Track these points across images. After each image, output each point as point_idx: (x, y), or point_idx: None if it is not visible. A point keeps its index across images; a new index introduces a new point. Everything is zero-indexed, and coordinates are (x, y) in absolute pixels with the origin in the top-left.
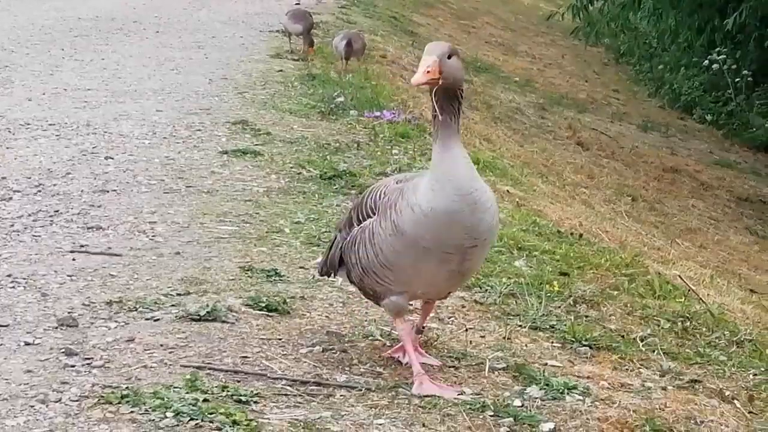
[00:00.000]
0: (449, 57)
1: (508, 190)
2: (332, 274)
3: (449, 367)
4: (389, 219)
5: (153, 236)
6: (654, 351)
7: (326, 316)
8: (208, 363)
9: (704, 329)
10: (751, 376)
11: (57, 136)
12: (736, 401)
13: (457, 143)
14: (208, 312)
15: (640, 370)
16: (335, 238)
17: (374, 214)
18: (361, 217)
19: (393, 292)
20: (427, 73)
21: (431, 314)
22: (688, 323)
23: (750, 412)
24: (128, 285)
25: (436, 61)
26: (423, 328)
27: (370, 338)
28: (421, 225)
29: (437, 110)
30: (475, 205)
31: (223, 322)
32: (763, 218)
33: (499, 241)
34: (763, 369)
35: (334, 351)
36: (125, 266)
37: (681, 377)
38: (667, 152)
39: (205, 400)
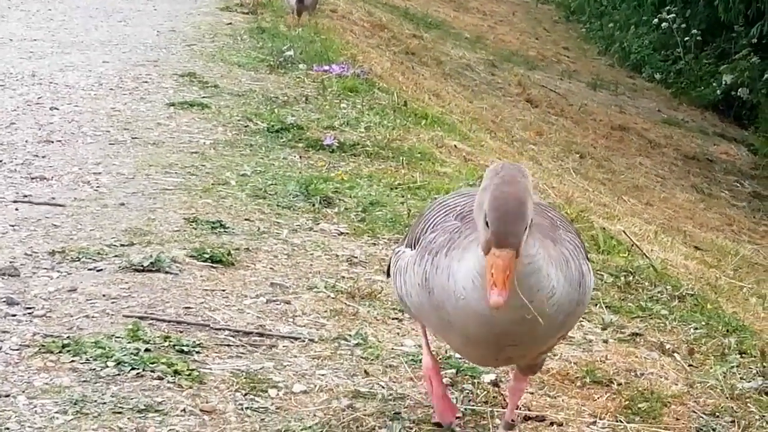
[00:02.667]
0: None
1: (455, 146)
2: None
3: (392, 319)
4: (423, 266)
5: (97, 187)
6: (596, 305)
7: (270, 268)
8: (151, 313)
9: (647, 284)
10: (691, 330)
11: (1, 86)
12: (676, 354)
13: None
14: (151, 263)
15: (583, 323)
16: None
17: (417, 245)
18: (409, 240)
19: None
20: (507, 281)
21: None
22: (631, 278)
23: (690, 365)
24: (71, 235)
25: (514, 255)
26: (512, 422)
27: (314, 290)
28: (449, 304)
29: None
30: (523, 318)
31: (167, 272)
32: (709, 176)
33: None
34: (703, 323)
35: (277, 302)
36: (69, 217)
37: (622, 330)
38: (616, 110)
39: (146, 350)
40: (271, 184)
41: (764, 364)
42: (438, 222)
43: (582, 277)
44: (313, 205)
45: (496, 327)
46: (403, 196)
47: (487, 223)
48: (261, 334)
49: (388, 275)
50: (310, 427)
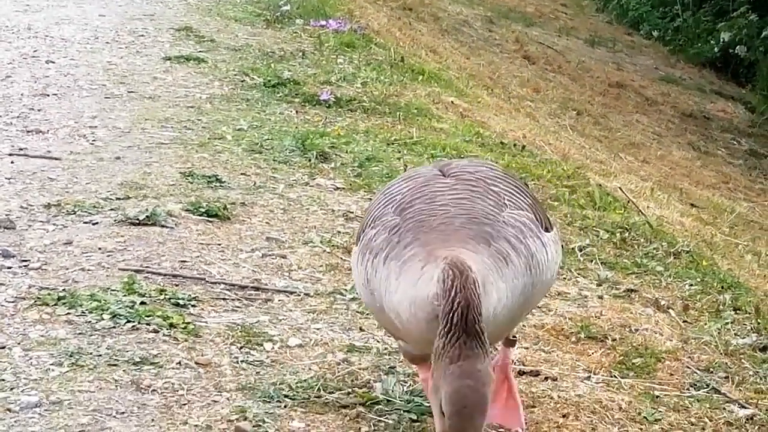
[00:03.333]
0: None
1: (452, 101)
2: None
3: None
4: (365, 266)
5: (93, 140)
6: (592, 261)
7: (266, 223)
8: (146, 267)
9: (642, 240)
10: (686, 287)
11: None
12: (671, 310)
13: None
14: (147, 216)
15: (578, 279)
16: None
17: (359, 241)
18: (358, 233)
19: (395, 336)
20: None
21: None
22: (627, 234)
23: (684, 321)
24: (67, 188)
25: None
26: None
27: (310, 245)
28: (393, 315)
29: None
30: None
31: (163, 226)
32: (705, 134)
33: (441, 151)
34: (698, 279)
35: (273, 257)
36: (64, 170)
37: (618, 287)
38: (613, 67)
39: (142, 303)
40: (268, 139)
41: (758, 320)
42: (378, 215)
43: (531, 258)
44: (309, 160)
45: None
46: (399, 152)
47: (443, 413)
48: (256, 288)
49: None
50: (305, 380)
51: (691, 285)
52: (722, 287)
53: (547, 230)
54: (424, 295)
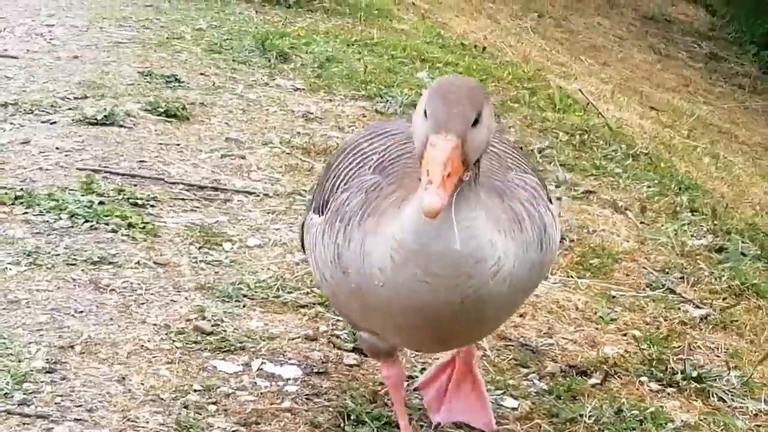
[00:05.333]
0: (475, 123)
1: (413, 2)
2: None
3: None
4: (334, 238)
5: (50, 39)
6: (551, 162)
7: (226, 123)
8: (105, 166)
9: (602, 142)
10: (644, 188)
11: None
12: (628, 212)
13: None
14: (105, 116)
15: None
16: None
17: (326, 209)
18: (317, 202)
19: (359, 327)
20: (446, 180)
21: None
22: (586, 136)
23: (642, 223)
24: (24, 87)
25: (458, 147)
26: None
27: (270, 145)
28: (368, 289)
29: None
30: (463, 301)
31: (121, 126)
32: (667, 37)
33: (401, 53)
34: (656, 182)
35: (232, 157)
36: (21, 69)
37: (576, 188)
38: None
39: (100, 203)
40: (227, 39)
41: (714, 222)
42: (351, 176)
43: (543, 232)
44: (269, 60)
45: (429, 314)
46: (359, 53)
47: (425, 114)
48: (215, 189)
49: (304, 250)
50: (263, 280)
51: (649, 187)
52: (680, 189)
53: (551, 202)
54: (410, 228)
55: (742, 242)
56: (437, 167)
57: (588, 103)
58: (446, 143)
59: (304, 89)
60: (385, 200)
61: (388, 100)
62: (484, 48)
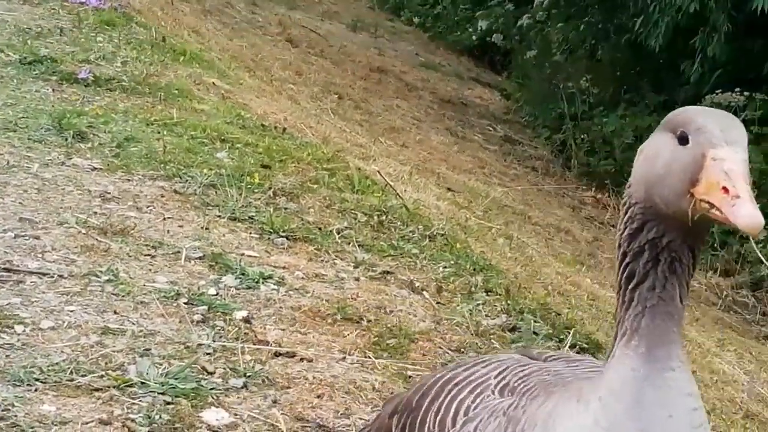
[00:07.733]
0: None
1: (214, 83)
2: None
3: (145, 255)
4: None
5: None
6: (350, 243)
7: (20, 203)
8: None
9: (399, 223)
10: (441, 269)
11: None
12: (425, 292)
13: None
14: None
15: (335, 261)
16: None
17: None
18: None
19: None
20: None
21: None
22: (384, 217)
23: (438, 303)
24: None
25: (747, 162)
26: None
27: (65, 225)
28: None
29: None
30: None
31: None
32: (463, 120)
33: (201, 133)
34: (452, 262)
35: (26, 237)
36: None
37: (374, 268)
38: (375, 52)
39: None
40: (22, 117)
41: (508, 301)
42: (463, 409)
43: None
44: (66, 139)
45: None
46: (159, 132)
47: (686, 140)
48: (8, 270)
49: None
50: (57, 363)
51: (445, 267)
52: (475, 269)
53: None
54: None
55: (534, 321)
56: (740, 178)
57: (386, 185)
58: (737, 155)
59: (101, 169)
60: (539, 410)
61: (187, 180)
62: (284, 129)
